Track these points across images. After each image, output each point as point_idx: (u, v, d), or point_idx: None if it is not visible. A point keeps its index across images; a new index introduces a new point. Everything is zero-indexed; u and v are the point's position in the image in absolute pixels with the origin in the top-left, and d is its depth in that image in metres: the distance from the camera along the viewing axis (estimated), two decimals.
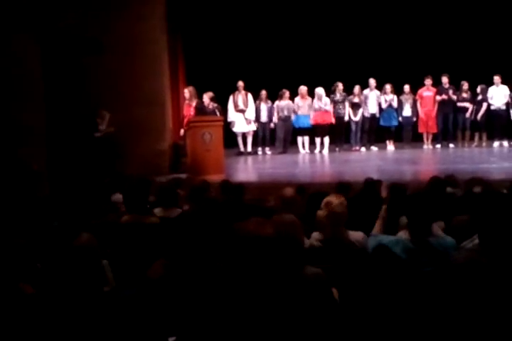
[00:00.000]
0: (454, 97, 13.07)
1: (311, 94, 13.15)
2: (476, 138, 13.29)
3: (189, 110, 11.68)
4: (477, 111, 13.02)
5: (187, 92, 11.83)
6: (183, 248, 2.91)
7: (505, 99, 12.96)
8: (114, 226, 4.51)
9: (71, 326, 2.63)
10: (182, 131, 11.32)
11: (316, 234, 4.11)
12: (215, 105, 11.81)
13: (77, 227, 3.58)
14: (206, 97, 11.80)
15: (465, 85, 13.05)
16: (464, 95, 13.09)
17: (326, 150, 13.18)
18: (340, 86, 13.15)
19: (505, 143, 13.14)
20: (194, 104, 11.74)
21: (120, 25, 10.18)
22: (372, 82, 13.24)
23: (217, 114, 11.53)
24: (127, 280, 3.51)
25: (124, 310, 2.77)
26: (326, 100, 13.08)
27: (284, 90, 13.08)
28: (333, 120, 13.14)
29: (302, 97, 13.12)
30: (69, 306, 2.66)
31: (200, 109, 11.64)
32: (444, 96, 13.05)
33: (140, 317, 2.75)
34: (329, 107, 13.09)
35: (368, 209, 4.82)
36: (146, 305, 2.83)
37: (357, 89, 13.19)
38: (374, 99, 13.28)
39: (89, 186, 6.11)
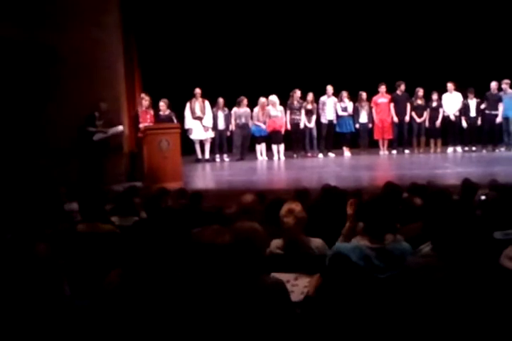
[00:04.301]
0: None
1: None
2: (431, 144, 13.53)
3: (146, 117, 11.57)
4: (432, 117, 13.25)
5: (147, 100, 11.70)
6: (138, 256, 2.86)
7: (459, 105, 13.22)
8: (69, 235, 4.43)
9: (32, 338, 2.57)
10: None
11: (276, 242, 4.10)
12: (171, 112, 11.80)
13: (31, 238, 3.49)
14: (162, 104, 11.79)
15: (420, 92, 13.28)
16: (419, 102, 13.31)
17: (282, 157, 13.24)
18: (298, 93, 13.23)
19: (459, 149, 13.43)
20: (152, 111, 11.67)
21: (75, 34, 10.02)
22: (329, 88, 13.35)
23: (174, 120, 11.48)
24: (83, 291, 3.44)
25: (79, 321, 2.71)
26: (280, 108, 13.16)
27: (242, 97, 13.10)
28: (288, 126, 13.23)
29: (262, 109, 13.15)
30: (29, 318, 2.60)
31: (157, 117, 11.64)
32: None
33: (95, 328, 2.69)
34: (282, 114, 13.18)
35: (326, 215, 4.83)
36: (102, 316, 2.78)
37: (310, 96, 13.30)
38: (331, 106, 13.40)
39: (42, 195, 5.97)
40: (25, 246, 2.82)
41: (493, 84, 13.12)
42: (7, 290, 2.67)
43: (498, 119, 13.08)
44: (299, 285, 3.56)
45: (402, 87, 13.36)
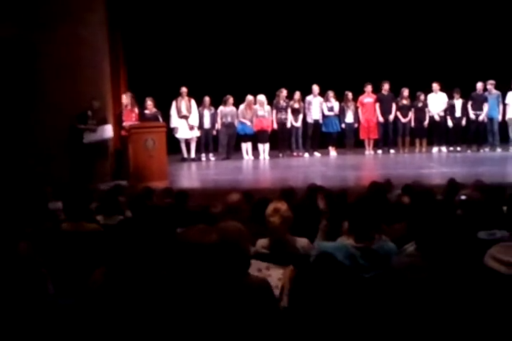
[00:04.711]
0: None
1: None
2: (417, 144, 13.59)
3: (130, 116, 11.50)
4: (418, 117, 13.30)
5: (127, 98, 11.62)
6: (122, 255, 2.85)
7: (444, 106, 13.30)
8: (53, 234, 4.40)
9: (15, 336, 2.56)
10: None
11: (262, 241, 4.10)
12: (157, 111, 11.77)
13: (13, 237, 3.46)
14: (150, 103, 11.77)
15: (405, 92, 13.33)
16: (404, 102, 13.37)
17: (267, 156, 13.24)
18: (284, 92, 13.23)
19: (444, 149, 13.50)
20: (136, 110, 11.62)
21: (60, 32, 9.91)
22: (315, 88, 13.36)
23: (160, 119, 11.44)
24: (67, 290, 3.43)
25: (63, 320, 2.70)
26: (267, 107, 13.16)
27: (228, 96, 13.08)
28: (275, 126, 13.23)
29: (249, 107, 13.14)
30: (11, 317, 2.58)
31: (143, 115, 11.60)
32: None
33: (79, 327, 2.68)
34: (269, 114, 13.18)
35: (312, 214, 4.83)
36: (86, 315, 2.76)
37: (297, 94, 13.30)
38: (317, 106, 13.42)
39: (27, 194, 5.93)
40: (7, 245, 2.80)
41: (479, 85, 13.19)
42: None
43: (481, 118, 13.15)
44: (272, 276, 3.54)
45: (386, 86, 13.40)
